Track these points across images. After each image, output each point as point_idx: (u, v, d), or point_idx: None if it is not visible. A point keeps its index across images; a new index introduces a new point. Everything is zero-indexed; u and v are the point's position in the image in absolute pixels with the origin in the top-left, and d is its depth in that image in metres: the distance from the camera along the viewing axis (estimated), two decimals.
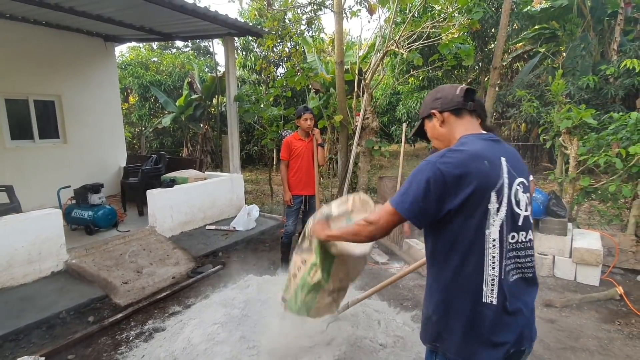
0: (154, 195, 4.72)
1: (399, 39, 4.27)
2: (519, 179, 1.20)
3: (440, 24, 4.16)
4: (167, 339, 2.45)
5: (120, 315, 3.08)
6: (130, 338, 2.78)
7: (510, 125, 9.04)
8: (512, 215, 1.17)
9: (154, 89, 13.96)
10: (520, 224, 1.19)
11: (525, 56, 11.11)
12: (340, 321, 2.55)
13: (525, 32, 9.95)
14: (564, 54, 8.86)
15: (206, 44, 19.38)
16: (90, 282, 3.59)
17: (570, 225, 3.89)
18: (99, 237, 4.53)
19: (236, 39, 12.76)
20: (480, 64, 9.95)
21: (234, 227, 5.24)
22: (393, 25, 4.67)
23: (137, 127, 15.52)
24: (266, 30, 5.74)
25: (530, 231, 1.23)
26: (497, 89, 5.09)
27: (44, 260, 3.66)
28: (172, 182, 5.06)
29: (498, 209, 1.14)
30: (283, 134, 5.76)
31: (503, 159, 1.19)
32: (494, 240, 1.14)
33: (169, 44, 19.45)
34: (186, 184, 5.19)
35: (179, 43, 19.80)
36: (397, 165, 15.67)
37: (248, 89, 9.37)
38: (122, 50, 18.12)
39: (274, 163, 10.94)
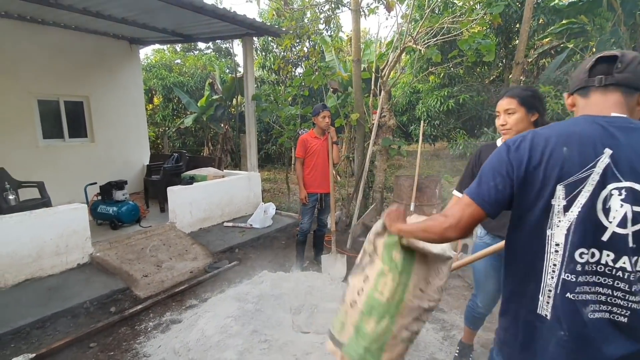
0: (174, 192, 4.85)
1: (417, 35, 4.21)
2: (625, 183, 0.91)
3: (460, 20, 4.07)
4: (183, 330, 2.52)
5: (140, 306, 3.19)
6: (149, 329, 2.87)
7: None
8: (591, 224, 0.93)
9: (177, 90, 14.37)
10: (605, 239, 0.92)
11: (552, 52, 10.70)
12: None
13: (552, 27, 9.58)
14: (594, 50, 8.46)
15: (227, 45, 19.76)
16: (113, 275, 3.73)
17: None
18: (123, 232, 4.71)
19: (255, 39, 12.97)
20: (504, 60, 9.67)
21: (251, 225, 5.32)
22: (412, 22, 4.60)
23: (161, 127, 16.01)
24: (284, 29, 5.79)
25: (630, 257, 0.91)
26: (520, 85, 4.93)
27: (70, 253, 3.83)
28: (191, 180, 5.19)
29: (566, 208, 0.94)
30: (300, 132, 5.79)
31: (607, 151, 0.92)
32: (556, 244, 0.95)
33: (191, 46, 19.96)
34: (205, 182, 5.31)
35: (202, 45, 20.27)
36: (416, 165, 15.37)
37: (267, 88, 9.50)
38: (147, 53, 18.74)
39: (292, 162, 11.01)
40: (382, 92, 4.90)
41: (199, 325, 2.37)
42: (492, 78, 11.26)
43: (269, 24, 7.58)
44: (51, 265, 3.69)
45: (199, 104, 13.38)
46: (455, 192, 2.15)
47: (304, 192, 3.80)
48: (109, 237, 4.47)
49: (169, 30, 6.28)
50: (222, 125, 14.05)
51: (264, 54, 12.98)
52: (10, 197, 4.70)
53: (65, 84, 6.62)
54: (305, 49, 6.87)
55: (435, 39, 4.27)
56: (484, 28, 4.29)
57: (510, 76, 8.44)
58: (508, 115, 1.80)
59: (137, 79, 7.81)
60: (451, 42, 5.54)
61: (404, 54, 7.81)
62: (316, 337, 2.35)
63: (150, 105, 16.16)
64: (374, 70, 5.01)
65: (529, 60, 10.63)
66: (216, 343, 2.13)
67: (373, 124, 5.03)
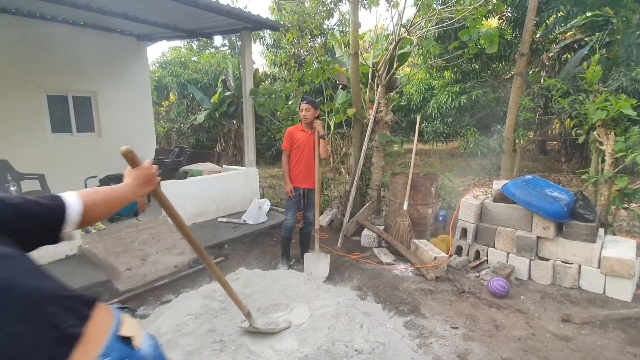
0: (167, 187, 4.85)
1: (411, 25, 4.00)
2: None
3: (458, 9, 3.83)
4: (144, 326, 2.46)
5: (115, 300, 3.17)
6: None
7: (554, 122, 8.24)
8: None
9: (191, 87, 14.57)
10: None
11: (576, 46, 10.09)
12: (318, 321, 2.42)
13: (575, 20, 9.03)
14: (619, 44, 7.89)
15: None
16: (98, 267, 3.75)
17: (601, 231, 3.42)
18: (117, 225, 4.75)
19: (267, 36, 12.91)
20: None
21: (244, 220, 5.26)
22: (406, 11, 4.38)
23: (176, 124, 16.31)
24: (282, 23, 5.68)
25: None
26: (523, 77, 4.60)
27: (59, 244, 3.87)
28: (185, 175, 5.18)
29: None
30: None
31: None
32: None
33: (207, 43, 20.21)
34: (199, 177, 5.28)
35: (217, 42, 20.53)
36: (429, 164, 15.02)
37: (279, 85, 9.47)
38: (164, 50, 19.16)
39: None
40: (379, 86, 4.71)
41: (157, 322, 2.31)
42: (511, 75, 10.75)
43: (273, 18, 7.51)
44: (38, 256, 3.68)
45: (212, 101, 13.51)
46: None
47: (290, 185, 3.69)
48: (101, 229, 4.52)
49: (171, 26, 6.30)
50: (234, 121, 14.15)
51: (275, 50, 12.95)
52: (12, 188, 4.82)
53: (74, 79, 6.77)
54: (309, 44, 6.73)
55: (428, 28, 4.04)
56: (492, 18, 4.00)
57: (532, 72, 7.99)
58: None
59: (144, 75, 7.91)
60: (457, 34, 5.26)
61: (414, 48, 7.56)
62: (275, 342, 2.24)
63: (166, 102, 16.50)
64: (371, 63, 4.81)
65: (550, 55, 10.08)
66: (166, 342, 2.06)
67: (369, 119, 4.84)
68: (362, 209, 4.93)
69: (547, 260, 3.39)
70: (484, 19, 9.14)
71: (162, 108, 16.27)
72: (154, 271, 3.79)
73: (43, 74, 6.33)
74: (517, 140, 8.16)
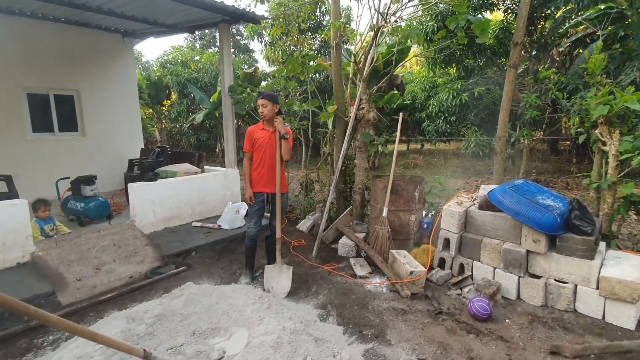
0: (134, 189, 4.57)
1: (387, 12, 3.60)
2: None
3: None
4: (55, 352, 2.15)
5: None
6: (45, 344, 2.55)
7: (562, 120, 7.68)
8: None
9: (191, 86, 14.40)
10: None
11: (588, 40, 9.46)
12: (253, 353, 2.06)
13: (587, 13, 8.42)
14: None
15: (246, 42, 19.71)
16: (46, 277, 3.48)
17: (602, 245, 2.96)
18: (85, 229, 4.49)
19: (265, 34, 12.59)
20: (529, 48, 8.63)
21: (219, 225, 4.95)
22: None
23: (177, 123, 16.20)
24: (262, 16, 5.34)
25: None
26: (517, 70, 4.14)
27: (9, 251, 3.63)
28: (154, 176, 4.90)
29: None
30: None
31: None
32: None
33: (210, 42, 20.09)
34: (171, 179, 5.00)
35: None
36: (434, 164, 14.47)
37: (280, 83, 9.19)
38: (166, 50, 19.09)
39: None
40: (360, 82, 4.32)
41: (61, 353, 1.99)
42: (520, 71, 10.17)
43: (260, 11, 7.19)
44: None
45: (211, 100, 13.30)
46: None
47: (250, 191, 3.34)
48: (66, 232, 4.27)
49: (150, 20, 6.04)
50: (235, 121, 13.91)
51: (273, 48, 12.65)
52: None
53: (56, 77, 6.58)
54: (296, 37, 6.37)
55: (413, 16, 3.64)
56: (497, 11, 3.56)
57: (542, 68, 7.46)
58: None
59: (130, 73, 7.69)
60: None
61: (413, 43, 7.13)
62: None
63: (167, 101, 16.39)
64: (353, 56, 4.43)
65: (560, 50, 9.48)
66: None
67: (350, 117, 4.46)
68: (342, 214, 4.55)
69: (539, 277, 2.95)
70: (488, 12, 8.66)
71: (163, 108, 16.16)
72: (106, 282, 3.50)
73: (23, 72, 6.15)
74: (522, 140, 7.66)
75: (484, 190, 3.37)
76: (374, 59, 4.14)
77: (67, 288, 3.33)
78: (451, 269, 3.46)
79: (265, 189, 3.35)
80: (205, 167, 6.16)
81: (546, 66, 9.43)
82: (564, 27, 8.84)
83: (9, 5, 5.58)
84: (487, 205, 3.23)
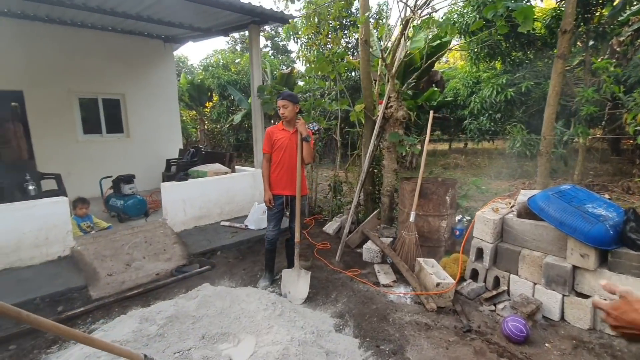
0: (165, 188, 4.72)
1: (416, 4, 3.35)
2: None
3: None
4: (70, 349, 2.22)
5: (79, 309, 3.02)
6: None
7: (623, 116, 6.83)
8: None
9: (230, 88, 14.85)
10: None
11: None
12: None
13: None
14: None
15: (284, 43, 19.96)
16: (82, 271, 3.68)
17: None
18: (122, 225, 4.74)
19: (301, 33, 12.56)
20: (584, 38, 7.79)
21: (246, 225, 4.97)
22: None
23: (218, 124, 16.80)
24: (290, 15, 5.28)
25: None
26: (565, 60, 3.65)
27: (51, 245, 3.89)
28: (185, 176, 5.03)
29: None
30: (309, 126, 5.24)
31: None
32: None
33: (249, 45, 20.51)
34: (201, 179, 5.10)
35: (260, 43, 20.82)
36: (477, 165, 13.63)
37: (317, 83, 9.18)
38: (208, 53, 19.91)
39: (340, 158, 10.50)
40: (390, 79, 4.11)
41: (74, 349, 2.04)
42: (575, 63, 9.24)
43: (288, 11, 7.13)
44: (30, 256, 3.77)
45: (249, 101, 13.61)
46: None
47: (269, 193, 3.28)
48: (103, 227, 4.54)
49: (186, 25, 6.25)
50: (272, 121, 14.14)
51: (308, 48, 12.64)
52: (30, 187, 5.02)
53: (104, 82, 7.04)
54: (327, 37, 6.24)
55: (434, 7, 3.37)
56: None
57: (600, 59, 6.71)
58: None
59: (170, 77, 8.04)
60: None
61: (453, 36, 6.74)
62: None
63: (209, 103, 17.05)
64: (381, 52, 4.22)
65: (621, 39, 8.45)
66: None
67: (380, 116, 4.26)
68: (368, 218, 4.37)
69: (586, 297, 2.57)
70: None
71: (205, 109, 16.84)
72: (134, 278, 3.62)
73: (74, 78, 6.63)
74: (576, 139, 6.92)
75: (524, 195, 3.03)
76: (404, 54, 3.90)
77: (98, 283, 3.49)
78: (484, 281, 3.15)
79: (284, 192, 3.27)
80: (236, 167, 6.25)
81: (605, 57, 8.46)
82: (625, 14, 7.85)
83: (61, 16, 6.03)
84: (527, 212, 2.89)
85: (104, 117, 7.23)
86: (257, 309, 2.53)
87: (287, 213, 3.43)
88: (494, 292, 2.94)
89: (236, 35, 19.67)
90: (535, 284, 2.81)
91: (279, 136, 3.22)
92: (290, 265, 3.50)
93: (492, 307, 2.89)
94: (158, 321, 2.33)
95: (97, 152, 7.05)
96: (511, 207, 3.24)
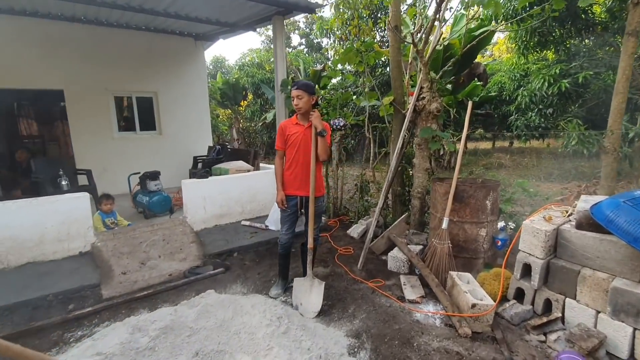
0: (186, 185, 4.62)
1: None
2: None
3: None
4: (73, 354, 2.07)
5: (88, 309, 2.94)
6: (72, 339, 2.54)
7: None
8: None
9: (264, 86, 14.87)
10: None
11: None
12: None
13: None
14: None
15: (319, 40, 19.73)
16: (98, 267, 3.63)
17: None
18: (147, 222, 4.70)
19: (335, 28, 12.23)
20: None
21: (267, 226, 4.75)
22: None
23: (251, 122, 16.95)
24: (316, 3, 4.98)
25: None
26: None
27: (72, 240, 3.90)
28: (205, 173, 4.90)
29: None
30: (332, 122, 4.92)
31: None
32: None
33: (285, 43, 20.52)
34: (221, 176, 4.96)
35: (294, 42, 20.80)
36: (523, 165, 12.58)
37: (351, 79, 8.90)
38: (244, 52, 20.15)
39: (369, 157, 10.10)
40: (422, 68, 3.67)
41: (72, 351, 1.88)
42: None
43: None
44: (53, 251, 3.80)
45: None
46: None
47: (282, 193, 3.00)
48: (124, 225, 4.52)
49: (213, 20, 6.17)
50: (288, 116, 13.99)
51: (342, 43, 12.28)
52: (63, 182, 5.17)
53: (137, 81, 7.18)
54: (358, 27, 5.87)
55: None
56: None
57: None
58: None
59: (201, 74, 8.07)
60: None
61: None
62: None
63: (244, 101, 17.26)
64: (412, 39, 3.78)
65: None
66: None
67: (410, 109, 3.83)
68: (396, 222, 3.96)
69: None
70: None
71: (240, 107, 17.05)
72: (147, 278, 3.51)
73: (110, 77, 6.81)
74: None
75: (586, 202, 2.49)
76: (439, 39, 3.45)
77: (111, 281, 3.42)
78: (532, 304, 2.65)
79: (298, 192, 2.97)
80: (261, 165, 6.07)
81: None
82: None
83: (97, 16, 6.17)
84: (589, 223, 2.36)
85: (137, 114, 7.38)
86: (260, 324, 2.25)
87: (302, 215, 3.14)
88: (545, 319, 2.44)
89: (270, 33, 19.69)
90: (598, 312, 2.28)
91: (293, 131, 2.93)
92: (305, 273, 3.20)
93: (542, 337, 2.39)
94: (151, 332, 2.14)
95: (131, 149, 7.20)
96: (568, 215, 2.70)
